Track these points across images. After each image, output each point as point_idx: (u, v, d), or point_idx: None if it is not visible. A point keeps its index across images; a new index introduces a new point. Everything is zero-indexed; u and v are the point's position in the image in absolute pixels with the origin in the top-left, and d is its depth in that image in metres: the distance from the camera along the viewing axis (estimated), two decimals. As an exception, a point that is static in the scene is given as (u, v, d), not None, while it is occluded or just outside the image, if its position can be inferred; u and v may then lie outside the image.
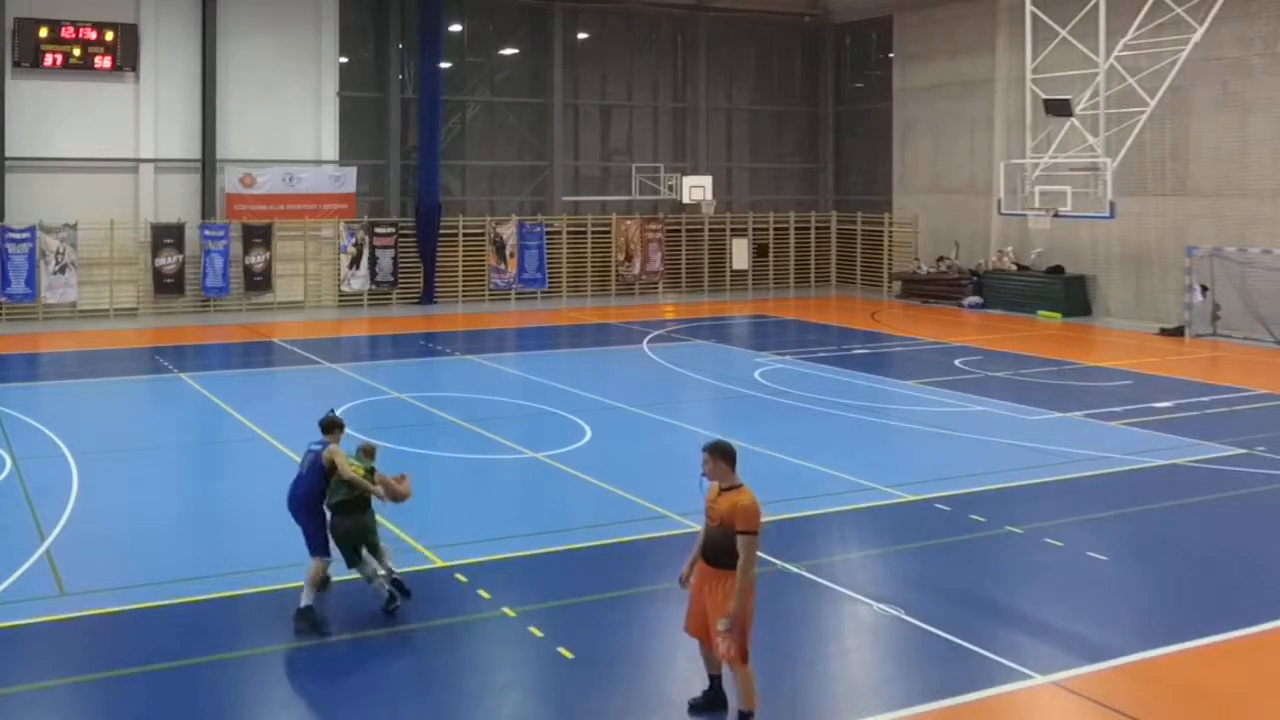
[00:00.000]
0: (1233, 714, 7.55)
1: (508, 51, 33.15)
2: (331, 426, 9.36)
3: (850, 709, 7.59)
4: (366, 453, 9.46)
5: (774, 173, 36.54)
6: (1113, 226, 26.00)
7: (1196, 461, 13.81)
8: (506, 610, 8.99)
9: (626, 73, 34.49)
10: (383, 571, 9.08)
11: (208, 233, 28.23)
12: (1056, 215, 23.26)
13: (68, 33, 27.15)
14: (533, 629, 8.65)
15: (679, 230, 33.72)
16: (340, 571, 9.37)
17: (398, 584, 9.11)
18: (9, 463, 13.44)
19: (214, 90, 28.47)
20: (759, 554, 10.39)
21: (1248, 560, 10.46)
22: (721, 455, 7.14)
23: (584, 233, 32.51)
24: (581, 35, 33.68)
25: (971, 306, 29.88)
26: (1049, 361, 20.98)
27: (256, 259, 28.78)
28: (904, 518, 11.62)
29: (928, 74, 32.94)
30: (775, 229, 35.06)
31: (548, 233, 31.86)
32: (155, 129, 28.18)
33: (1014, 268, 30.03)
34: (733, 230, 34.53)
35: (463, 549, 10.42)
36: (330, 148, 30.01)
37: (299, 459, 9.67)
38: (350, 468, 9.01)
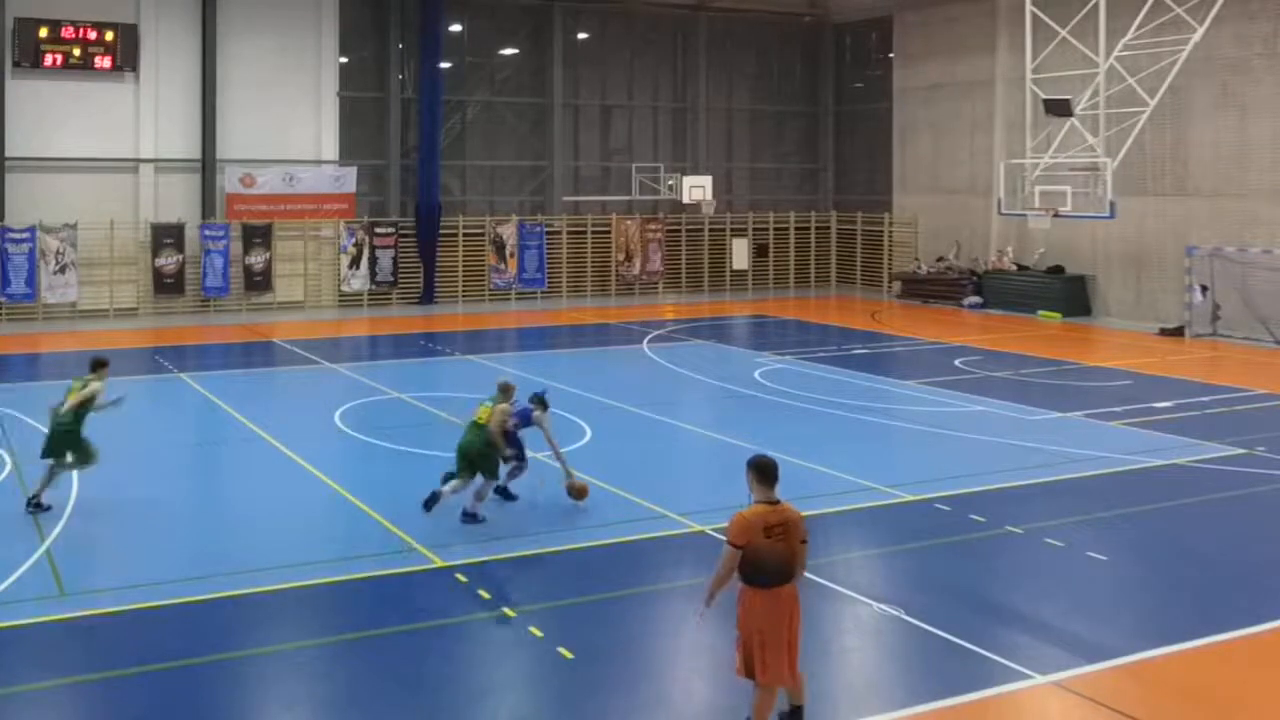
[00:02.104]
0: (1233, 714, 7.55)
1: (508, 51, 33.16)
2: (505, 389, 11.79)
3: (850, 709, 7.58)
4: (502, 390, 11.80)
5: (774, 173, 36.54)
6: (1113, 226, 25.99)
7: (1196, 461, 13.81)
8: (506, 610, 8.99)
9: (626, 73, 34.50)
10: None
11: (208, 233, 28.23)
12: (1056, 215, 23.26)
13: (68, 33, 27.15)
14: (533, 629, 8.65)
15: (679, 230, 33.72)
16: (337, 573, 9.37)
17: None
18: (9, 463, 13.44)
19: (214, 90, 28.47)
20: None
21: (1248, 560, 10.45)
22: (751, 469, 7.02)
23: (584, 233, 32.51)
24: (581, 35, 33.69)
25: (971, 306, 29.88)
26: (1049, 361, 20.97)
27: (256, 259, 28.78)
28: (904, 518, 11.61)
29: (928, 74, 32.94)
30: (775, 229, 35.06)
31: (548, 233, 31.86)
32: (155, 129, 28.18)
33: (1014, 268, 30.03)
34: (733, 230, 34.53)
35: (463, 549, 10.42)
36: (330, 148, 30.01)
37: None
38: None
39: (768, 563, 6.82)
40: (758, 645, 6.86)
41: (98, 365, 12.04)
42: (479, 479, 11.32)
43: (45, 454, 11.74)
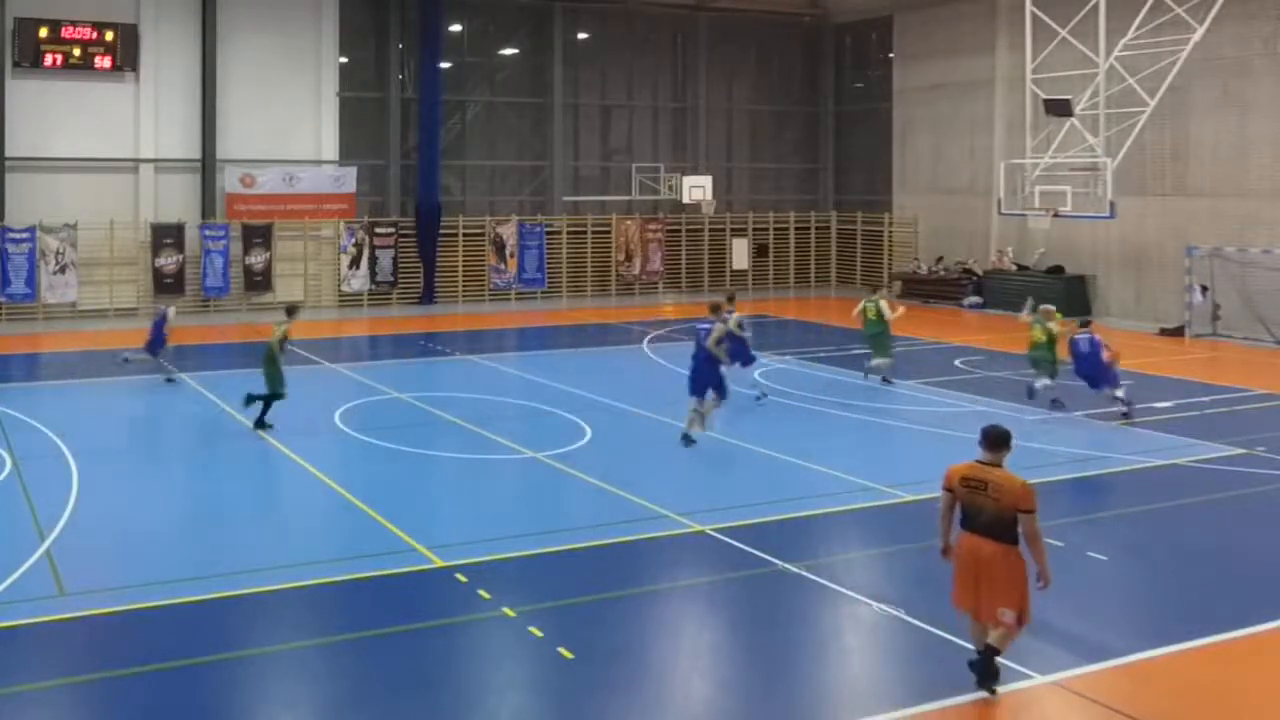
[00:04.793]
0: (1233, 714, 7.55)
1: (508, 51, 33.16)
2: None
3: (850, 709, 7.58)
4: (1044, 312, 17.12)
5: (774, 173, 36.55)
6: (1113, 226, 25.99)
7: (1196, 461, 13.81)
8: (506, 610, 8.99)
9: (626, 73, 34.49)
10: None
11: (208, 233, 28.23)
12: (1056, 215, 23.25)
13: (68, 33, 27.15)
14: (533, 629, 8.64)
15: (679, 230, 33.72)
16: (337, 573, 9.35)
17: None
18: (9, 463, 13.44)
19: (214, 90, 28.47)
20: (759, 554, 10.42)
21: (1248, 560, 10.46)
22: (980, 433, 7.97)
23: (584, 233, 32.51)
24: (581, 35, 33.69)
25: (971, 306, 29.88)
26: (1049, 361, 20.95)
27: (256, 259, 28.79)
28: (904, 518, 11.62)
29: (928, 74, 32.94)
30: (775, 229, 35.06)
31: (548, 233, 31.86)
32: (155, 129, 28.18)
33: (1014, 268, 30.03)
34: (733, 230, 34.53)
35: (463, 549, 10.42)
36: (330, 148, 30.01)
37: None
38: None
39: (965, 509, 7.80)
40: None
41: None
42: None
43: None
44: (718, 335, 14.52)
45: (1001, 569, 7.60)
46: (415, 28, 30.68)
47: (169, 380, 18.94)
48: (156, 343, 19.25)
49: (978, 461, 7.85)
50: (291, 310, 16.22)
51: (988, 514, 7.63)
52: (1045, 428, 15.62)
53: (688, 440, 14.40)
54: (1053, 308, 17.63)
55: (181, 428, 16.00)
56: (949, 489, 7.90)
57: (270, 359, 15.32)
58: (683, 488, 12.48)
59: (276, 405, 15.29)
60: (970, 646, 8.34)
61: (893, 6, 33.79)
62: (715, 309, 15.15)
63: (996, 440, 7.81)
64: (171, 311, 19.78)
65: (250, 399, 15.33)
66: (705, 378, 14.51)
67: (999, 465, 7.75)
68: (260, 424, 15.22)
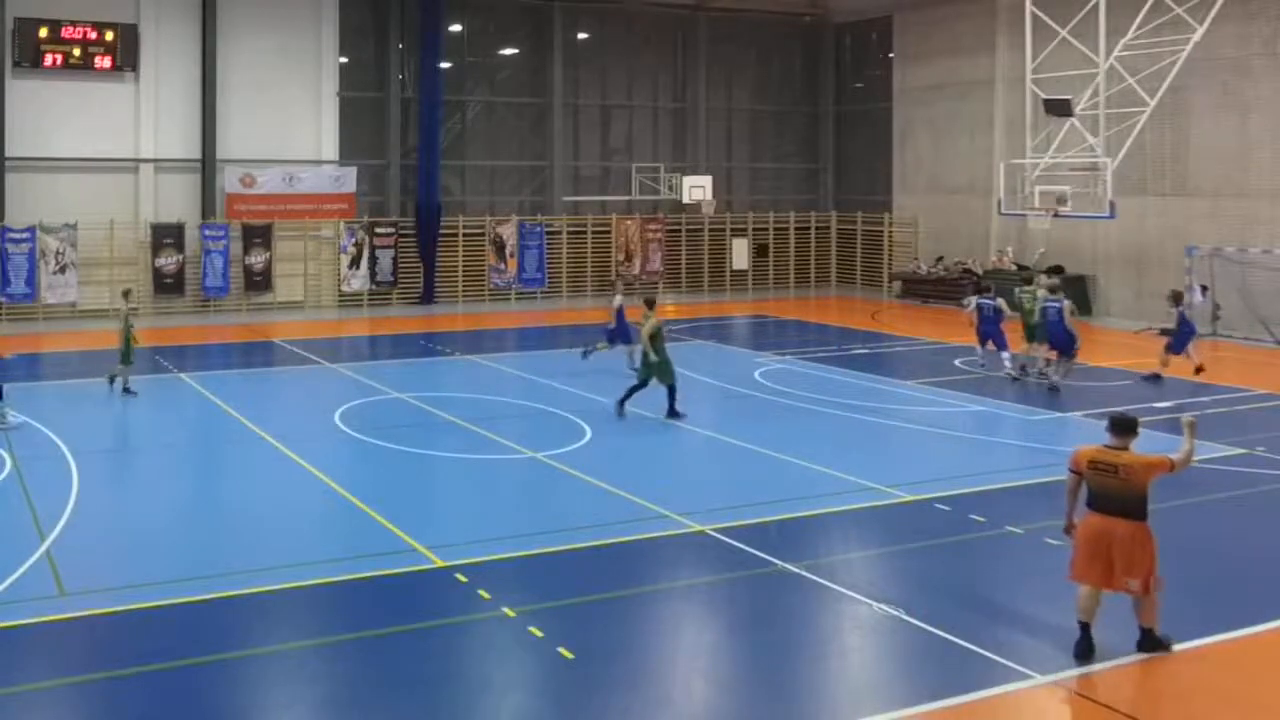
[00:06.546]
0: (1233, 714, 7.55)
1: (508, 51, 33.16)
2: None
3: (850, 709, 7.58)
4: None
5: (774, 173, 36.55)
6: (1113, 226, 25.98)
7: (1196, 461, 13.72)
8: (506, 610, 8.99)
9: (626, 73, 34.49)
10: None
11: (208, 233, 28.24)
12: (1056, 215, 23.24)
13: (68, 33, 27.17)
14: (533, 629, 8.64)
15: (679, 230, 33.72)
16: (337, 573, 9.36)
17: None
18: (9, 463, 13.44)
19: (214, 90, 28.47)
20: (759, 554, 10.41)
21: (1248, 559, 10.46)
22: (1108, 420, 8.54)
23: (584, 233, 32.52)
24: (581, 35, 33.69)
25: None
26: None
27: (256, 259, 28.79)
28: (904, 518, 11.61)
29: (928, 74, 32.94)
30: (775, 229, 35.06)
31: (548, 233, 31.87)
32: (155, 129, 28.19)
33: (1014, 268, 30.00)
34: (733, 230, 34.53)
35: (463, 549, 10.41)
36: (330, 148, 30.02)
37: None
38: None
39: (1094, 491, 8.29)
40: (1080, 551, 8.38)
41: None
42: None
43: None
44: (1069, 308, 18.33)
45: (1135, 546, 8.09)
46: (415, 28, 30.69)
47: (591, 351, 20.35)
48: (622, 332, 19.92)
49: (1105, 446, 8.31)
50: (651, 303, 16.72)
51: (1118, 494, 8.13)
52: (1046, 428, 15.62)
53: (1055, 390, 18.05)
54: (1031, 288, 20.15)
55: (181, 428, 16.00)
56: (1076, 471, 8.40)
57: (655, 351, 15.88)
58: (683, 488, 12.48)
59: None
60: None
61: (893, 6, 33.79)
62: (1054, 289, 19.15)
63: (1124, 427, 8.32)
64: (618, 299, 20.42)
65: (627, 395, 16.07)
66: (1064, 338, 18.28)
67: (1126, 449, 8.22)
68: (673, 413, 15.86)
